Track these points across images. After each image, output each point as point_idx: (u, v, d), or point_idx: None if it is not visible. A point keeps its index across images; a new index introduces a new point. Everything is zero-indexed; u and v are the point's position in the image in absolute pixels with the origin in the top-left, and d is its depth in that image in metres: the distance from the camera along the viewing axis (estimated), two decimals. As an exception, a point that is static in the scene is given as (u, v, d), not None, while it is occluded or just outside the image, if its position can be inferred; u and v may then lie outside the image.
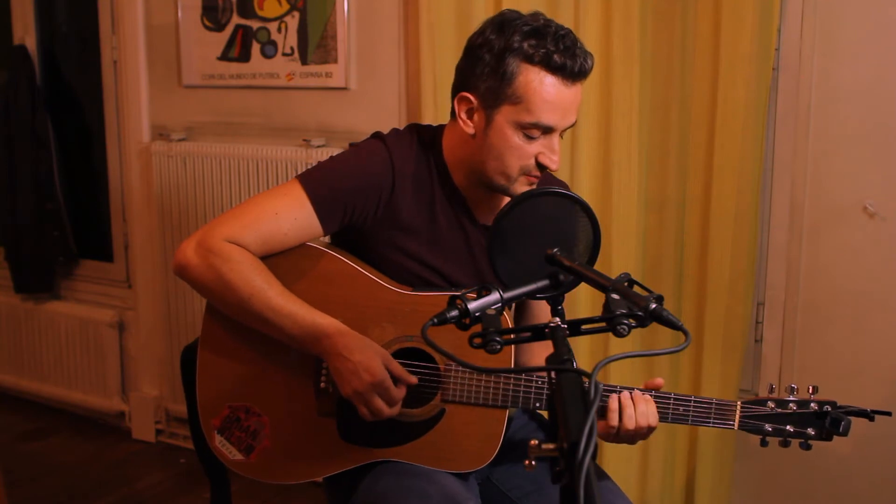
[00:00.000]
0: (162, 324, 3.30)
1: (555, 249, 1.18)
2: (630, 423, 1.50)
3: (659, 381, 1.56)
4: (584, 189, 2.38)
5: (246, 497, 2.13)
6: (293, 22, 2.90)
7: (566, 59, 1.49)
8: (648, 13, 2.28)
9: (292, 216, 1.59)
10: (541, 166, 1.56)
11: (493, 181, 1.59)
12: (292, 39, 2.91)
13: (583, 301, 2.42)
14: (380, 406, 1.54)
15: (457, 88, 1.60)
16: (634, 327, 1.06)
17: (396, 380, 1.56)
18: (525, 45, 1.50)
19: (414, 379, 1.58)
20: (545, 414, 1.82)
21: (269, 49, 2.97)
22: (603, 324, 1.08)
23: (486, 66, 1.52)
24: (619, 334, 1.06)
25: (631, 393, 1.52)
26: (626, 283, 1.11)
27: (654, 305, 1.05)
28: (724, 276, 2.27)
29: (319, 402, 1.65)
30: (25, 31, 3.59)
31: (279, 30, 2.94)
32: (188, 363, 1.73)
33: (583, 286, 1.20)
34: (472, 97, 1.56)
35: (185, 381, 1.76)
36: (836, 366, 2.29)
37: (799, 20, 2.23)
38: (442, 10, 2.51)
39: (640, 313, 1.06)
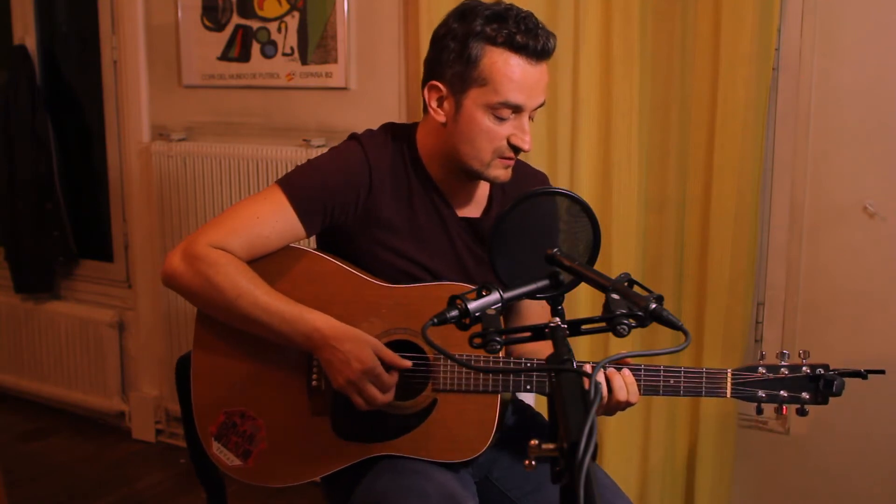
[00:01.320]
0: (162, 324, 3.30)
1: (555, 249, 1.18)
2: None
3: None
4: (584, 189, 2.38)
5: (243, 498, 2.13)
6: (293, 22, 2.90)
7: (528, 38, 1.52)
8: (648, 13, 2.28)
9: (274, 219, 1.61)
10: (514, 148, 1.58)
11: (468, 166, 1.61)
12: (292, 39, 2.91)
13: (583, 301, 2.42)
14: (373, 393, 1.55)
15: (426, 79, 1.63)
16: (634, 327, 1.06)
17: (389, 366, 1.57)
18: (487, 28, 1.53)
19: (407, 363, 1.59)
20: (539, 408, 1.82)
21: (269, 49, 2.97)
22: (603, 324, 1.08)
23: (452, 53, 1.56)
24: (619, 334, 1.06)
25: (605, 370, 1.51)
26: (626, 283, 1.10)
27: (654, 305, 1.05)
28: (724, 276, 2.27)
29: (312, 400, 1.65)
30: (25, 31, 3.59)
31: (279, 30, 2.94)
32: (183, 373, 1.74)
33: (583, 286, 1.20)
34: (440, 85, 1.59)
35: (180, 391, 1.76)
36: (835, 366, 2.28)
37: (799, 20, 2.23)
38: (442, 10, 2.48)
39: (640, 313, 1.06)
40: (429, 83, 1.61)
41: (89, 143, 3.63)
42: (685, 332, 1.05)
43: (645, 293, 1.08)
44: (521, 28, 1.52)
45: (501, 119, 1.56)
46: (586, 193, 2.36)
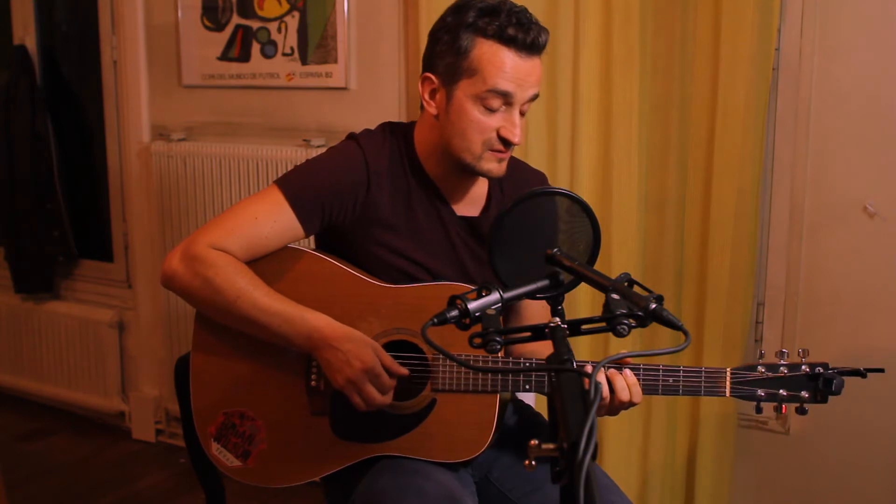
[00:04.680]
0: (162, 324, 3.30)
1: (555, 249, 1.18)
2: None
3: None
4: (584, 189, 2.38)
5: (244, 499, 2.13)
6: (293, 22, 2.90)
7: (519, 31, 1.54)
8: (648, 13, 2.28)
9: (272, 219, 1.62)
10: (504, 140, 1.58)
11: (460, 159, 1.61)
12: (292, 39, 2.91)
13: (583, 301, 2.42)
14: (372, 393, 1.55)
15: (421, 73, 1.65)
16: (634, 327, 1.06)
17: (387, 371, 1.57)
18: (479, 21, 1.56)
19: (405, 370, 1.59)
20: (539, 408, 1.82)
21: (269, 49, 2.97)
22: (603, 324, 1.08)
23: (444, 45, 1.58)
24: (619, 334, 1.06)
25: (606, 370, 1.52)
26: (626, 283, 1.11)
27: (654, 305, 1.05)
28: (724, 276, 2.27)
29: (311, 400, 1.65)
30: (25, 31, 3.59)
31: (279, 30, 2.93)
32: (182, 374, 1.74)
33: (583, 286, 1.20)
34: (433, 77, 1.61)
35: (179, 392, 1.76)
36: (835, 365, 2.28)
37: (799, 20, 2.23)
38: (442, 10, 2.50)
39: (640, 313, 1.06)
40: (422, 75, 1.63)
41: (89, 143, 3.63)
42: (685, 332, 1.05)
43: (645, 293, 1.08)
44: (512, 21, 1.54)
45: (491, 110, 1.56)
46: (586, 193, 2.36)
